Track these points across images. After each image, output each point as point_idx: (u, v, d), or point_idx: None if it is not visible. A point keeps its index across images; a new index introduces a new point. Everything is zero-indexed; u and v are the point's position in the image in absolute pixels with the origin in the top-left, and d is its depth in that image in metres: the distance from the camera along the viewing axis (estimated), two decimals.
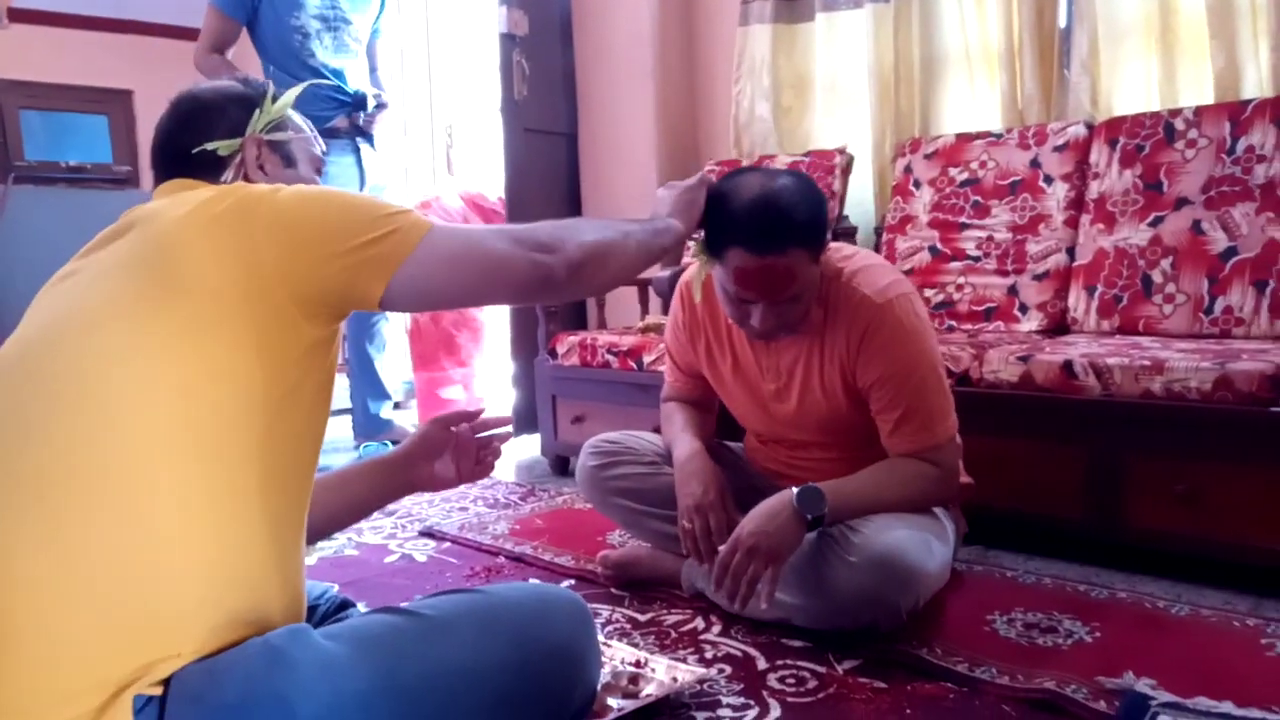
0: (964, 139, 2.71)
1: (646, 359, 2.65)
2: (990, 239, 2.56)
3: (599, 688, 1.26)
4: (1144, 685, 1.36)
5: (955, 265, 2.60)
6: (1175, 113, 2.34)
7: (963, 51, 2.85)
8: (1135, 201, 2.33)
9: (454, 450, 1.45)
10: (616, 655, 1.48)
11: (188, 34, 3.10)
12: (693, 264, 1.70)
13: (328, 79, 3.09)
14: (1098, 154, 2.44)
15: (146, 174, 5.08)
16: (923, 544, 1.55)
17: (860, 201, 3.02)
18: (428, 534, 2.34)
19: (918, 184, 2.75)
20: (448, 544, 2.26)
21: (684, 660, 1.50)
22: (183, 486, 0.91)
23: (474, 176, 4.50)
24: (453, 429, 1.45)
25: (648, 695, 1.36)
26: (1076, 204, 2.46)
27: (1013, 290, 2.49)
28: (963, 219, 2.63)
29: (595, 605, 1.77)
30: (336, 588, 1.51)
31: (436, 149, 4.83)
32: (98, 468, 0.89)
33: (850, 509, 1.54)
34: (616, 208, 3.46)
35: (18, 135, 4.87)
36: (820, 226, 1.52)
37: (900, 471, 1.60)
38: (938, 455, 1.60)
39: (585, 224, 1.25)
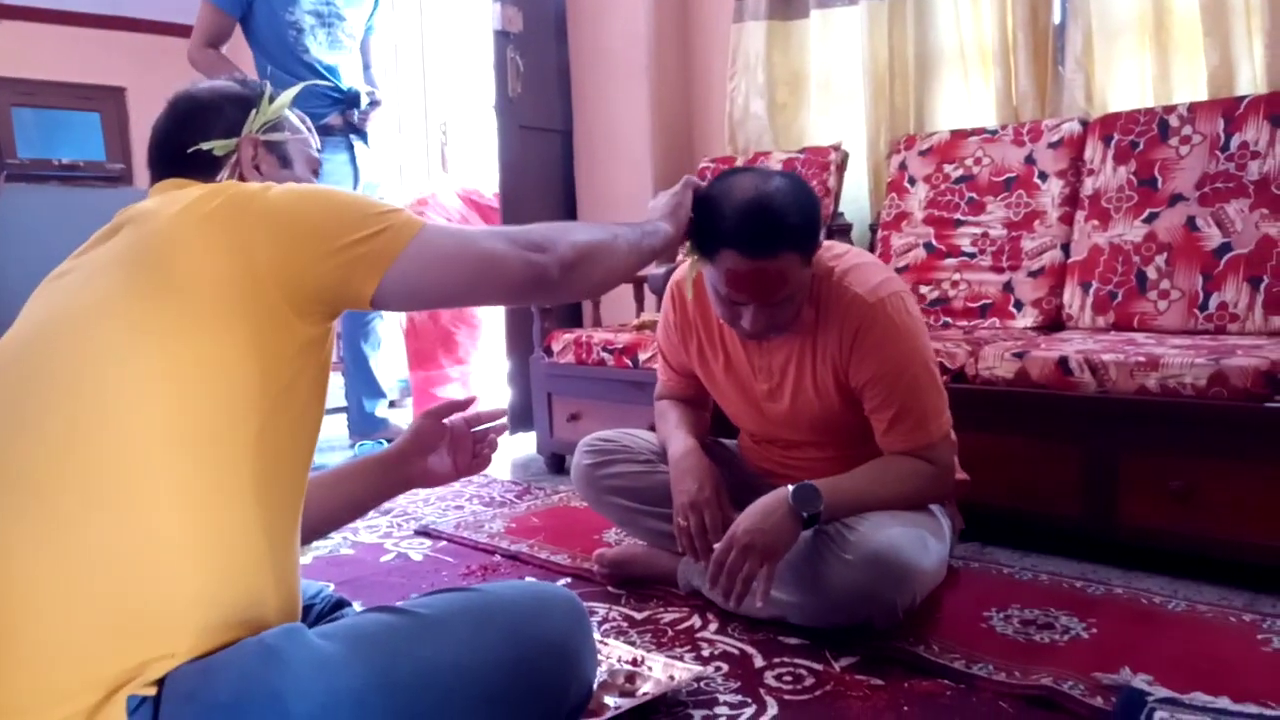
0: (959, 135, 2.71)
1: (642, 356, 2.65)
2: (985, 235, 2.56)
3: (595, 686, 1.26)
4: (1141, 681, 1.37)
5: (950, 262, 2.60)
6: (1170, 109, 2.34)
7: (957, 48, 2.85)
8: (1130, 198, 2.33)
9: (449, 444, 1.45)
10: (613, 653, 1.47)
11: (181, 30, 3.09)
12: (685, 263, 1.69)
13: (322, 74, 3.09)
14: (1092, 150, 2.45)
15: (140, 171, 5.07)
16: (919, 541, 1.55)
17: (855, 198, 3.02)
18: (423, 533, 2.34)
19: (913, 181, 2.75)
20: (444, 542, 2.26)
21: (681, 658, 1.50)
22: (176, 484, 0.91)
23: (469, 174, 4.50)
24: (445, 422, 1.44)
25: (644, 693, 1.36)
26: (1071, 200, 2.46)
27: (1008, 287, 2.49)
28: (958, 215, 2.63)
29: (591, 603, 1.77)
30: (332, 587, 1.50)
31: (431, 146, 4.82)
32: (92, 466, 0.89)
33: (846, 506, 1.54)
34: (612, 205, 3.45)
35: (10, 132, 4.85)
36: (813, 229, 1.52)
37: (896, 469, 1.60)
38: (932, 453, 1.60)
39: (577, 225, 1.26)
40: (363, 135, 3.24)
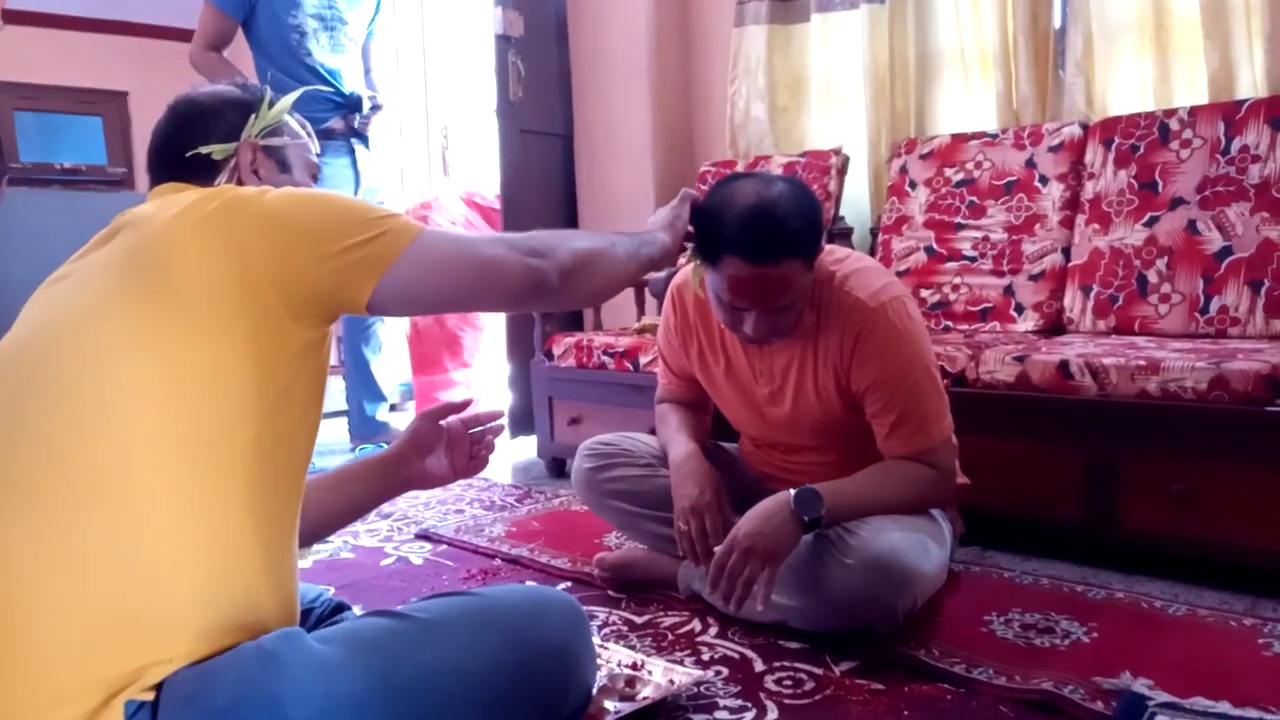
0: (959, 139, 2.71)
1: (643, 360, 2.65)
2: (986, 239, 2.56)
3: (595, 690, 1.26)
4: (1141, 685, 1.36)
5: (951, 266, 2.60)
6: (1170, 113, 2.34)
7: (958, 52, 2.85)
8: (1130, 202, 2.33)
9: (446, 445, 1.45)
10: (613, 657, 1.47)
11: (183, 35, 3.09)
12: (686, 267, 1.69)
13: (325, 78, 3.09)
14: (1093, 154, 2.45)
15: (142, 176, 5.06)
16: (919, 545, 1.54)
17: (856, 202, 3.02)
18: (424, 536, 2.34)
19: (913, 184, 2.75)
20: (444, 546, 2.26)
21: (681, 662, 1.50)
22: (173, 488, 0.90)
23: (470, 178, 4.50)
24: (443, 424, 1.44)
25: (644, 698, 1.35)
26: (1072, 204, 2.46)
27: (1009, 290, 2.49)
28: (958, 219, 2.63)
29: (592, 607, 1.77)
30: (332, 590, 1.50)
31: (432, 150, 4.83)
32: (88, 469, 0.89)
33: (847, 511, 1.54)
34: (613, 209, 3.46)
35: (12, 137, 4.86)
36: (815, 235, 1.52)
37: (897, 473, 1.60)
38: (934, 457, 1.60)
39: (575, 233, 1.26)
40: (364, 140, 3.25)
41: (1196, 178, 2.24)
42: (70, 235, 1.21)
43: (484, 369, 4.11)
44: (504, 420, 1.52)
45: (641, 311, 3.14)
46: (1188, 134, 2.28)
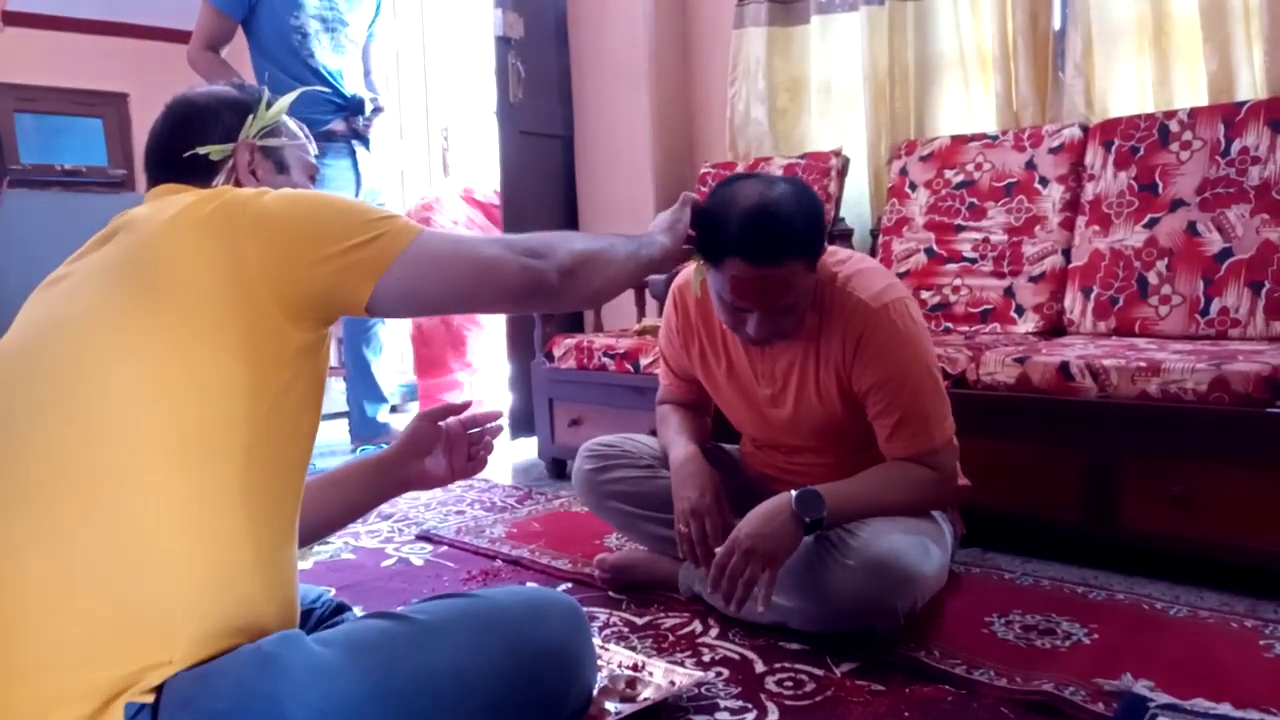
0: (959, 141, 2.71)
1: (643, 362, 2.65)
2: (986, 241, 2.56)
3: (596, 692, 1.26)
4: (1142, 687, 1.36)
5: (951, 267, 2.60)
6: (1170, 115, 2.34)
7: (957, 54, 2.85)
8: (1130, 203, 2.33)
9: (445, 446, 1.44)
10: (614, 659, 1.47)
11: (183, 37, 3.09)
12: (687, 267, 1.69)
13: (327, 79, 3.10)
14: (1093, 156, 2.45)
15: (142, 177, 5.04)
16: (920, 547, 1.54)
17: (856, 204, 3.02)
18: (425, 537, 2.34)
19: (913, 186, 2.75)
20: (445, 547, 2.26)
21: (681, 663, 1.50)
22: (169, 491, 0.90)
23: (470, 179, 4.50)
24: (441, 424, 1.44)
25: (645, 699, 1.35)
26: (1072, 206, 2.46)
27: (1009, 292, 2.49)
28: (959, 221, 2.63)
29: (592, 608, 1.77)
30: (333, 591, 1.50)
31: (432, 152, 4.83)
32: (84, 472, 0.89)
33: (849, 512, 1.54)
34: (612, 210, 3.46)
35: (12, 138, 4.85)
36: (818, 236, 1.52)
37: (898, 475, 1.60)
38: (935, 459, 1.60)
39: (575, 234, 1.26)
40: (365, 141, 3.25)
41: (1196, 179, 2.24)
42: (70, 236, 1.21)
43: (488, 369, 4.11)
44: (503, 421, 1.52)
45: (642, 313, 3.14)
46: (1188, 136, 2.28)
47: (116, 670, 0.85)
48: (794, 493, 1.50)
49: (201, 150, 1.16)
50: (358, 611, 1.45)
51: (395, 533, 2.40)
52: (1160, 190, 2.29)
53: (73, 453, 0.89)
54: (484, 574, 2.04)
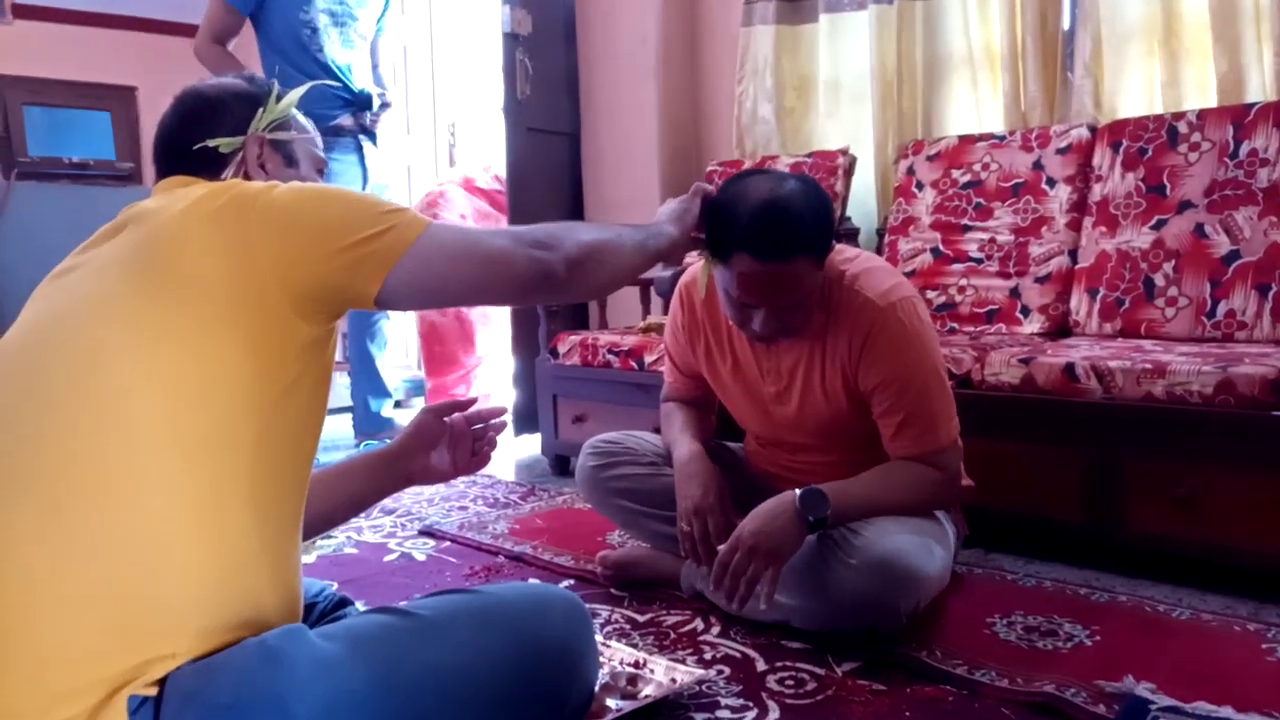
0: (967, 141, 2.71)
1: (647, 359, 2.65)
2: (992, 241, 2.55)
3: (597, 688, 1.26)
4: (1144, 689, 1.36)
5: (957, 267, 2.60)
6: (1178, 116, 2.33)
7: (966, 53, 2.85)
8: (1138, 204, 2.33)
9: (449, 441, 1.44)
10: (615, 656, 1.47)
11: (191, 30, 3.09)
12: (694, 264, 1.69)
13: (336, 74, 3.11)
14: (1100, 157, 2.44)
15: (149, 170, 5.06)
16: (923, 547, 1.54)
17: (863, 203, 3.02)
18: (427, 533, 2.34)
19: (920, 186, 2.75)
20: (447, 543, 2.26)
21: (683, 661, 1.50)
22: (175, 485, 0.90)
23: (469, 169, 4.49)
24: (446, 419, 1.44)
25: (646, 696, 1.35)
26: (1079, 207, 2.46)
27: (1015, 292, 2.49)
28: (965, 221, 2.62)
29: (594, 605, 1.77)
30: (335, 586, 1.50)
31: (440, 147, 4.83)
32: (91, 465, 0.89)
33: (852, 511, 1.54)
34: (619, 207, 3.46)
35: (21, 131, 4.86)
36: (826, 234, 1.52)
37: (902, 475, 1.59)
38: (940, 459, 1.59)
39: (582, 225, 1.25)
40: (372, 136, 3.25)
41: (1205, 181, 2.23)
42: (78, 229, 1.21)
43: (494, 363, 4.11)
44: (507, 418, 1.52)
45: (647, 310, 3.14)
46: (1196, 137, 2.28)
47: (120, 663, 0.85)
48: (798, 491, 1.50)
49: (211, 143, 1.16)
50: (360, 606, 1.45)
51: (398, 527, 2.40)
52: (1168, 192, 2.29)
53: (79, 445, 0.89)
54: (486, 570, 2.05)
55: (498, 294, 1.17)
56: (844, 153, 2.94)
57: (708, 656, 1.55)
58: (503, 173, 3.96)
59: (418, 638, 0.99)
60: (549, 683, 1.07)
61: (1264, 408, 1.72)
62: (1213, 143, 2.25)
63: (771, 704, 1.37)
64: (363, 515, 2.46)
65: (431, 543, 2.27)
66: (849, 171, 2.92)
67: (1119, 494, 1.89)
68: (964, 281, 2.57)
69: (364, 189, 3.18)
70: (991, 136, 2.67)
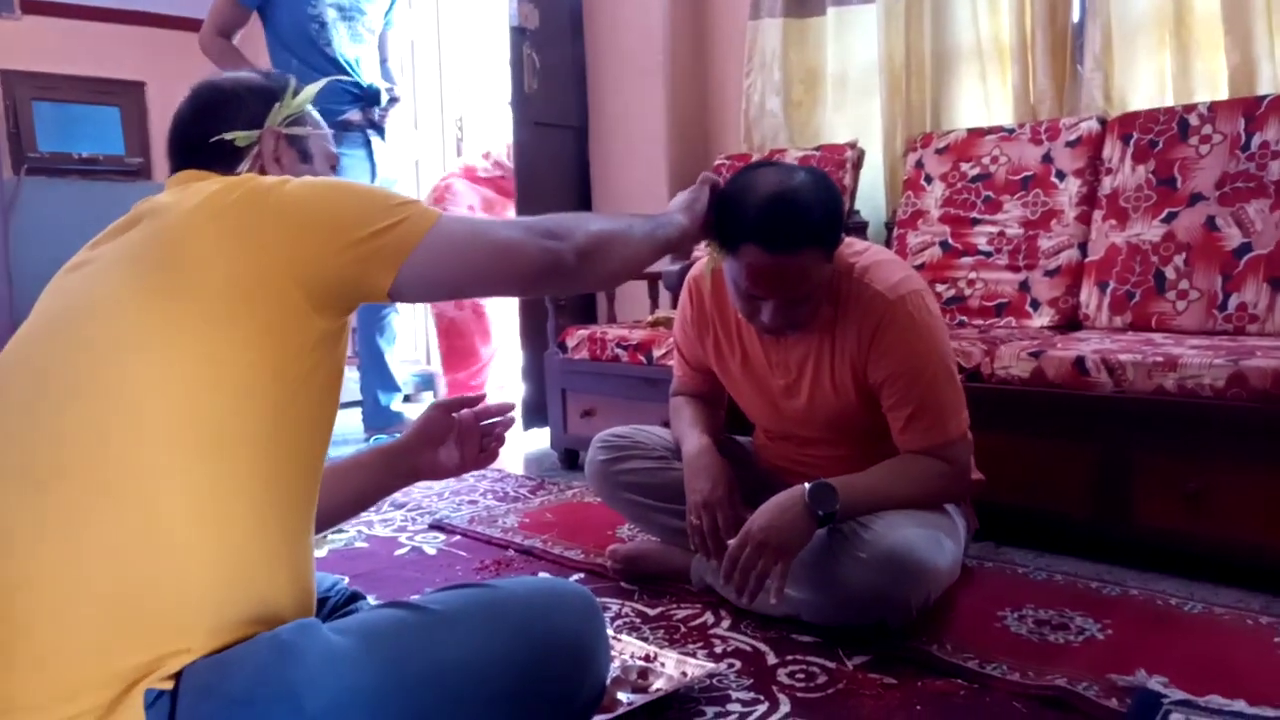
0: (976, 134, 2.70)
1: (656, 353, 2.65)
2: (1002, 234, 2.55)
3: (608, 682, 1.26)
4: (1156, 683, 1.36)
5: (967, 260, 2.59)
6: (1189, 108, 2.32)
7: (974, 46, 2.84)
8: (1148, 197, 2.32)
9: (457, 437, 1.43)
10: (626, 649, 1.48)
11: (200, 26, 3.10)
12: (702, 258, 1.69)
13: (344, 68, 3.11)
14: (1111, 149, 2.43)
15: (159, 165, 5.09)
16: (933, 541, 1.54)
17: (871, 196, 3.01)
18: (437, 527, 2.35)
19: (929, 179, 2.74)
20: (457, 537, 2.27)
21: (693, 655, 1.50)
22: (190, 479, 0.91)
23: (469, 158, 4.49)
24: (454, 415, 1.44)
25: (657, 690, 1.36)
26: (1089, 200, 2.45)
27: (1024, 286, 2.48)
28: (974, 214, 2.62)
29: (604, 599, 1.77)
30: (347, 580, 1.51)
31: (447, 141, 4.83)
32: (106, 460, 0.89)
33: (862, 505, 1.54)
34: (626, 201, 3.45)
35: (30, 126, 4.88)
36: (835, 226, 1.52)
37: (912, 468, 1.59)
38: (949, 452, 1.59)
39: (592, 215, 1.25)
40: (380, 131, 3.26)
41: (1216, 173, 2.22)
42: (87, 224, 1.22)
43: (507, 355, 4.12)
44: (515, 414, 1.52)
45: (655, 304, 3.14)
46: (1207, 129, 2.26)
47: (136, 658, 0.85)
48: (807, 485, 1.50)
49: (227, 136, 1.16)
50: (371, 600, 1.46)
51: (408, 522, 2.41)
52: (1179, 184, 2.28)
53: (94, 444, 0.89)
54: (496, 564, 2.05)
55: (509, 284, 1.17)
56: (852, 146, 2.93)
57: (718, 650, 1.55)
58: (502, 157, 3.97)
59: (429, 632, 0.99)
60: (561, 677, 1.07)
61: (1276, 401, 1.71)
62: (1224, 135, 2.24)
63: (782, 698, 1.37)
64: (373, 510, 2.47)
65: (442, 537, 2.27)
66: (857, 165, 2.91)
67: (1130, 488, 1.88)
68: (973, 275, 2.57)
69: (372, 184, 3.18)
70: (1000, 129, 2.66)
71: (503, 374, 4.15)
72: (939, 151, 2.74)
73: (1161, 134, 2.34)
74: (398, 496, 2.61)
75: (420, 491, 2.66)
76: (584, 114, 3.60)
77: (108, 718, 0.83)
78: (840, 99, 3.14)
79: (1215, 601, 1.70)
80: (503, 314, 4.11)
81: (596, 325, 3.05)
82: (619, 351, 2.76)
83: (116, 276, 0.98)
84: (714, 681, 1.42)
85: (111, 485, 0.88)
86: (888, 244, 2.83)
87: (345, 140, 3.09)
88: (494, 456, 1.48)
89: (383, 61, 3.35)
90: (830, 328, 1.61)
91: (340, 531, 2.30)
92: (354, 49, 3.16)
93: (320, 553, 2.14)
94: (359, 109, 3.16)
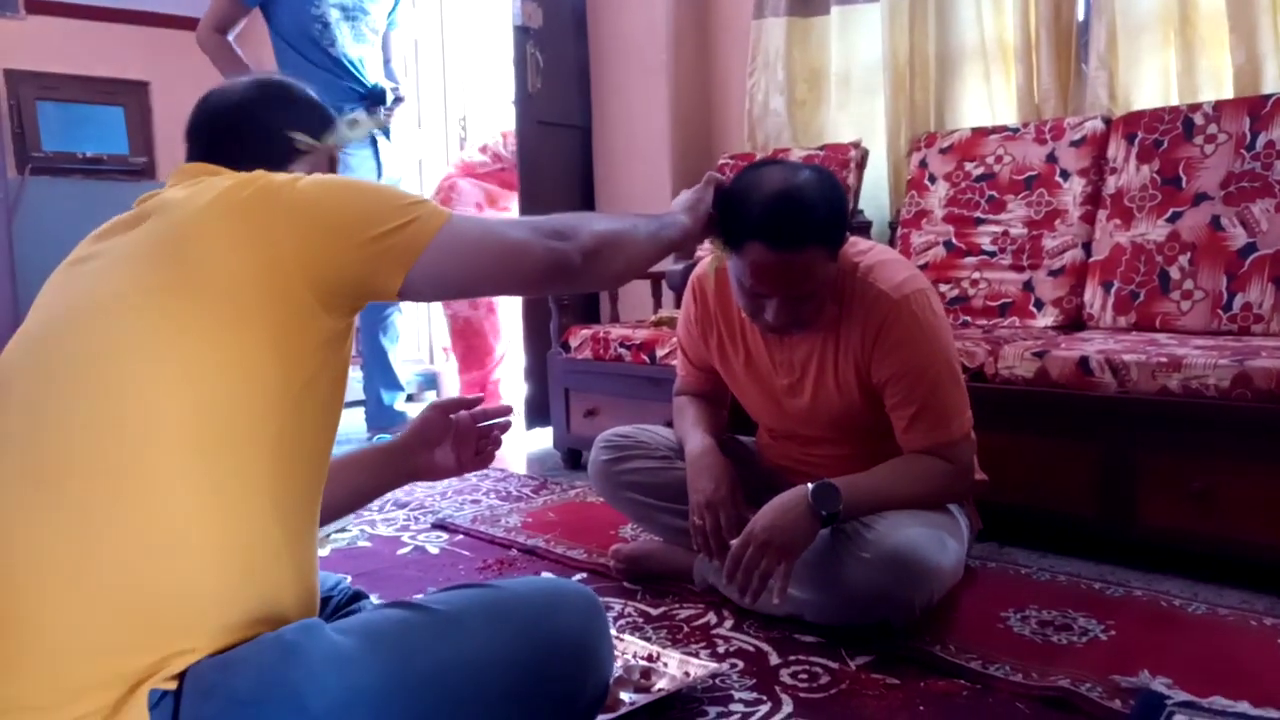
0: (980, 133, 2.69)
1: (659, 353, 2.65)
2: (1006, 234, 2.54)
3: (611, 682, 1.26)
4: (1159, 684, 1.36)
5: (970, 260, 2.59)
6: (1194, 107, 2.32)
7: (978, 45, 2.83)
8: (1153, 197, 2.31)
9: (454, 438, 1.43)
10: (628, 649, 1.48)
11: None
12: (706, 258, 1.69)
13: (348, 67, 3.11)
14: (1115, 149, 2.43)
15: (163, 165, 5.09)
16: (936, 541, 1.54)
17: (875, 196, 3.01)
18: (440, 526, 2.35)
19: (933, 179, 2.73)
20: (460, 536, 2.27)
21: (696, 655, 1.50)
22: (198, 480, 0.90)
23: (474, 159, 4.49)
24: (452, 417, 1.44)
25: (660, 690, 1.36)
26: (1093, 199, 2.44)
27: (1028, 286, 2.48)
28: (978, 214, 2.61)
29: (607, 599, 1.77)
30: (350, 579, 1.51)
31: (451, 140, 4.84)
32: (111, 460, 0.89)
33: (865, 505, 1.53)
34: (630, 201, 3.45)
35: (35, 126, 4.88)
36: (840, 224, 1.52)
37: (915, 468, 1.59)
38: (952, 452, 1.59)
39: (597, 215, 1.26)
40: (385, 130, 3.26)
41: (1221, 173, 2.22)
42: (92, 224, 1.21)
43: (513, 354, 4.13)
44: (513, 418, 1.52)
45: (658, 304, 3.14)
46: (1212, 129, 2.26)
47: (141, 659, 0.85)
48: (810, 485, 1.50)
49: (295, 136, 1.18)
50: (374, 599, 1.46)
51: (411, 521, 2.41)
52: (1184, 184, 2.27)
53: (99, 440, 0.89)
54: (499, 563, 2.05)
55: (515, 284, 1.18)
56: (856, 146, 2.92)
57: (721, 650, 1.55)
58: (499, 146, 3.95)
59: (433, 632, 0.99)
60: (564, 677, 1.07)
61: None
62: (1229, 134, 2.23)
63: (785, 698, 1.37)
64: (376, 509, 2.48)
65: (445, 536, 2.27)
66: (861, 164, 2.90)
67: (1133, 488, 1.88)
68: (977, 275, 2.56)
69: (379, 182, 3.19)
70: (1005, 129, 2.65)
71: (509, 373, 4.15)
72: (943, 151, 2.74)
73: (1166, 133, 2.33)
74: (401, 496, 2.61)
75: (423, 491, 2.66)
76: (587, 113, 3.60)
77: (113, 718, 0.83)
78: (844, 98, 3.14)
79: (1219, 602, 1.70)
80: (507, 313, 4.12)
81: (600, 325, 3.06)
82: (622, 351, 2.76)
83: (125, 274, 0.97)
84: (717, 681, 1.42)
85: (118, 486, 0.88)
86: (891, 243, 2.82)
87: (351, 140, 3.09)
88: (490, 459, 1.48)
89: (386, 62, 3.36)
90: (834, 327, 1.61)
91: (343, 531, 2.30)
92: (357, 49, 3.16)
93: (323, 551, 2.14)
94: (364, 109, 3.17)
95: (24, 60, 4.82)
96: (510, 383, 4.12)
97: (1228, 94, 2.36)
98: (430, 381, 4.56)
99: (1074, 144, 2.50)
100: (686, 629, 1.64)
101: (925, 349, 1.56)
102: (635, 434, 1.91)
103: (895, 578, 1.48)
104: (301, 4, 3.04)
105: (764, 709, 1.34)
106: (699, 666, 1.42)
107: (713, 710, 1.34)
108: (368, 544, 2.23)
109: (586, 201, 3.60)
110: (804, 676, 1.44)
